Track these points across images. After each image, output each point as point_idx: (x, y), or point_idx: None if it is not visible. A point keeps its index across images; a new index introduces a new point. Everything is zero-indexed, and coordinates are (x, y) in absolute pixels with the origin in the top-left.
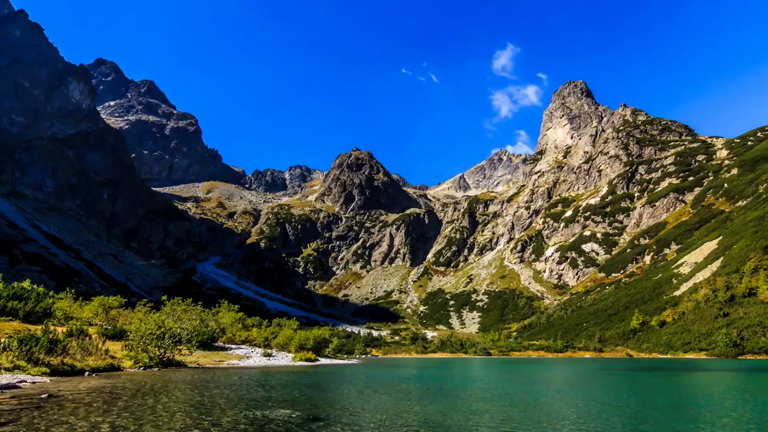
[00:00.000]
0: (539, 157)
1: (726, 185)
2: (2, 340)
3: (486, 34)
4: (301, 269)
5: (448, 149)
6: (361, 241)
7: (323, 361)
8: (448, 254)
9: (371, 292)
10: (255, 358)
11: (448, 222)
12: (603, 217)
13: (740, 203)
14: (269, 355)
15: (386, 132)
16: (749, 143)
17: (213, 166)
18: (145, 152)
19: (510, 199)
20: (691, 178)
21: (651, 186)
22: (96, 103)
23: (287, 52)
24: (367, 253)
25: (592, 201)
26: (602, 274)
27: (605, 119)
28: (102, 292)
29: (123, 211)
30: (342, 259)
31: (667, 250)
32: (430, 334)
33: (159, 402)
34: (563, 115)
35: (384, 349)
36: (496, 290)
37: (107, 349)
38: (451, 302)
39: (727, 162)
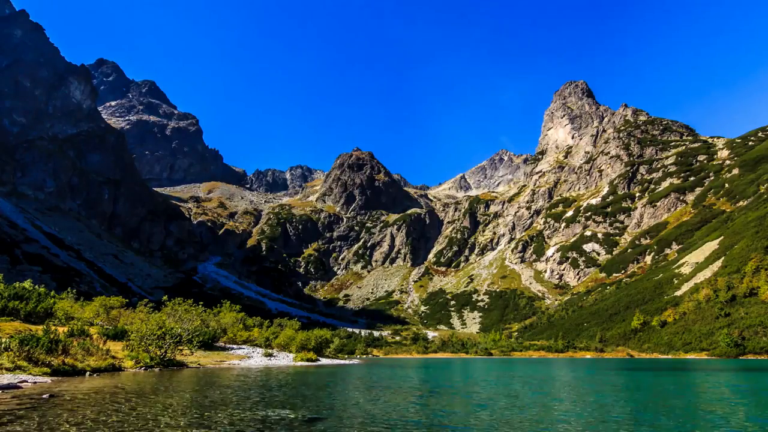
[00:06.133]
0: (540, 157)
1: (727, 185)
2: (3, 340)
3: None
4: (302, 269)
5: (449, 148)
6: (362, 241)
7: (324, 361)
8: (449, 254)
9: (372, 293)
10: (256, 358)
11: (449, 222)
12: (604, 217)
13: (741, 203)
14: (270, 355)
15: (387, 132)
16: (750, 143)
17: (214, 166)
18: (146, 152)
19: (511, 199)
20: (692, 178)
21: (652, 186)
22: (97, 103)
23: (289, 52)
24: (368, 253)
25: (593, 201)
26: (603, 274)
27: (606, 119)
28: (103, 292)
29: (124, 211)
30: (343, 259)
31: (668, 250)
32: (431, 334)
33: (160, 402)
34: (564, 115)
35: (385, 349)
36: (497, 290)
37: (108, 349)
38: (452, 302)
39: (728, 162)
